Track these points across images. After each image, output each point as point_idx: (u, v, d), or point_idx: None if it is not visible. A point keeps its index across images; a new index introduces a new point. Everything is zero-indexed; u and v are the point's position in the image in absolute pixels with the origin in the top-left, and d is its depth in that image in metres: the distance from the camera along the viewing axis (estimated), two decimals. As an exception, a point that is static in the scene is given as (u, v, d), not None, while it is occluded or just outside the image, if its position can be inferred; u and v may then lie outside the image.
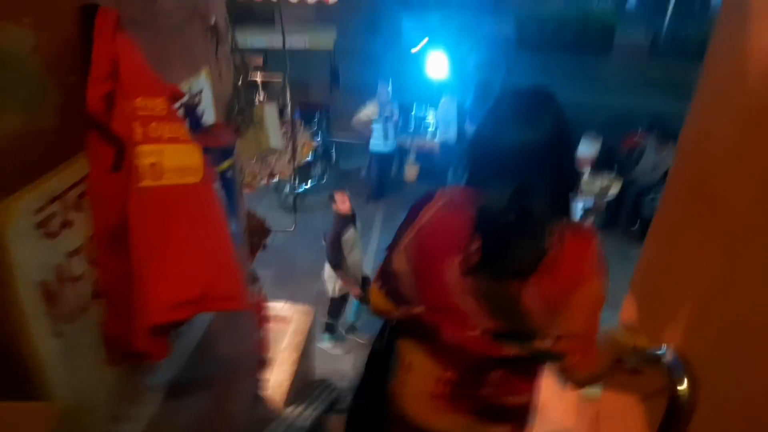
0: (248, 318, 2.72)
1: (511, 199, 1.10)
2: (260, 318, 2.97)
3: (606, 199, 6.79)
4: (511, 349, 1.25)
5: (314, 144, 7.74)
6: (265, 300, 3.04)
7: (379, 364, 1.46)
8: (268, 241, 2.82)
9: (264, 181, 3.20)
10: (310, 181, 7.93)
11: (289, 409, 3.51)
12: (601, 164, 8.61)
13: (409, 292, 1.33)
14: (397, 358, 1.41)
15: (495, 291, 1.18)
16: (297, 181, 7.61)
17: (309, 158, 7.69)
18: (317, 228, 7.20)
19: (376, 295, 1.40)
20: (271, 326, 4.20)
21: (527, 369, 1.32)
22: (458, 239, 1.18)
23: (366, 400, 1.52)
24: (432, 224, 1.25)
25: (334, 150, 8.60)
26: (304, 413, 3.65)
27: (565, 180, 1.18)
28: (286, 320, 4.17)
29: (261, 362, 3.07)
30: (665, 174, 7.25)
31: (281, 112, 2.90)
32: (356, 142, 8.26)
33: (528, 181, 1.11)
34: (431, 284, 1.27)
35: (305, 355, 3.94)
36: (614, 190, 6.76)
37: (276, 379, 3.58)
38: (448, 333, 1.28)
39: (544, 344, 1.21)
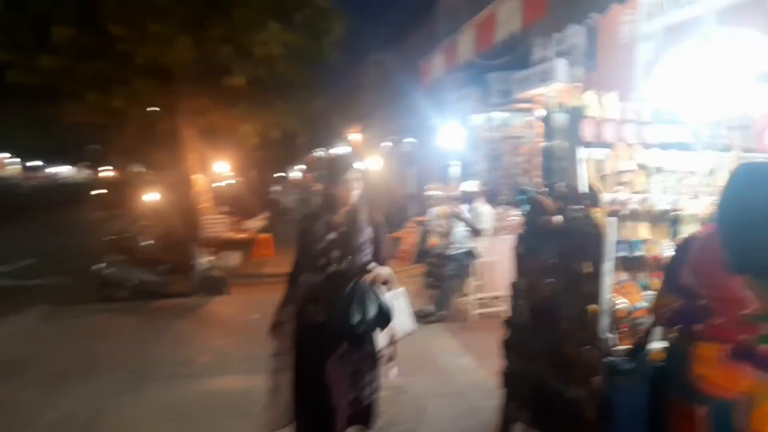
0: None
1: None
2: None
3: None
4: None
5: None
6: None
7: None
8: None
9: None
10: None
11: None
12: None
13: (692, 292, 1.99)
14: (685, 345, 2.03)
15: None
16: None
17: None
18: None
19: (667, 298, 2.11)
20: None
21: None
22: (720, 258, 1.87)
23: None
24: (701, 252, 1.97)
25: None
26: None
27: None
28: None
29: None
30: None
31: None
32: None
33: None
34: (716, 284, 1.92)
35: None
36: None
37: None
38: (724, 314, 1.91)
39: None
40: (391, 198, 16.13)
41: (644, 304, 2.66)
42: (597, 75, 6.57)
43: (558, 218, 2.91)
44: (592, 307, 2.63)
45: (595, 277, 2.66)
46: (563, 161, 3.45)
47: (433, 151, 12.67)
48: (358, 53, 23.72)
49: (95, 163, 38.49)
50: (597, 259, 2.65)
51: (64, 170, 43.99)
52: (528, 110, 8.85)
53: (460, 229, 6.49)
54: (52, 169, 42.67)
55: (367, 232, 2.71)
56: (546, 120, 3.53)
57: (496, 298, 6.53)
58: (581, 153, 3.05)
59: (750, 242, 1.85)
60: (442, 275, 6.56)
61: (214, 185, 12.52)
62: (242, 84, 8.31)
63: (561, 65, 6.78)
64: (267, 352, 5.04)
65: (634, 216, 2.94)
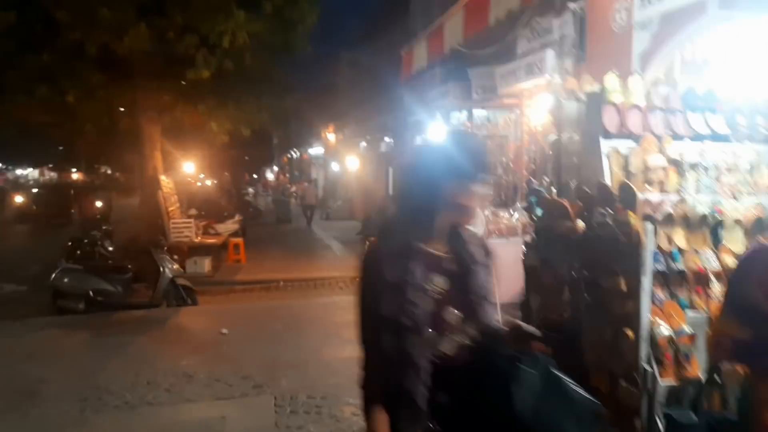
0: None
1: None
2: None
3: None
4: None
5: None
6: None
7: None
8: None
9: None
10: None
11: None
12: None
13: (763, 316, 1.60)
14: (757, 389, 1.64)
15: None
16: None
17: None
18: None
19: (728, 325, 1.69)
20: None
21: None
22: None
23: None
24: None
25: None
26: None
27: None
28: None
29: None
30: None
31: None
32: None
33: None
34: None
35: None
36: None
37: None
38: None
39: None
40: (369, 200, 15.64)
41: (689, 329, 2.20)
42: (587, 67, 6.18)
43: (581, 224, 2.44)
44: (628, 331, 2.16)
45: (630, 295, 2.19)
46: (575, 156, 3.00)
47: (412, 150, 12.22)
48: (332, 48, 23.20)
49: (59, 164, 37.31)
50: (632, 274, 2.18)
51: (27, 173, 42.62)
52: (512, 107, 8.45)
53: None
54: (13, 172, 41.34)
55: (486, 266, 1.59)
56: (555, 110, 3.07)
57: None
58: (603, 146, 2.59)
59: None
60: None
61: (182, 187, 11.87)
62: (207, 77, 7.70)
63: (549, 56, 6.38)
64: (237, 374, 4.64)
65: (668, 221, 2.49)
